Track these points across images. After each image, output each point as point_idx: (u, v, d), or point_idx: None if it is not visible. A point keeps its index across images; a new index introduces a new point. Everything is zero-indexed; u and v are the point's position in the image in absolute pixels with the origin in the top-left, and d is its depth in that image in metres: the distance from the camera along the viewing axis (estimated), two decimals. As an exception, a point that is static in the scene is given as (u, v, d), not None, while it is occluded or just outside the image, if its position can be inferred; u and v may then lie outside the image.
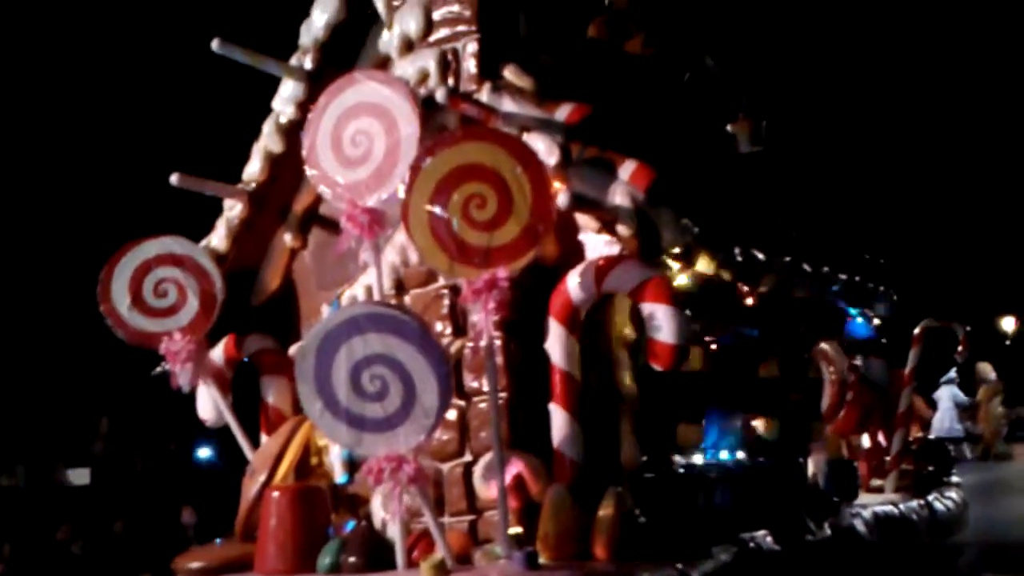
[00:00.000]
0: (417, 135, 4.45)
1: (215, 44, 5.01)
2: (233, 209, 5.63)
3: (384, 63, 5.38)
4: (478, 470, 4.65)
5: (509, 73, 4.74)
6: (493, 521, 4.61)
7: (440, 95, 4.41)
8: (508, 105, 4.60)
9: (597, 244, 4.62)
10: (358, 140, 4.59)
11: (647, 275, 4.36)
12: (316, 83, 5.36)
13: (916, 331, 8.02)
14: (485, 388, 4.56)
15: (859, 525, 6.50)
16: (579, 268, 4.54)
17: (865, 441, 7.89)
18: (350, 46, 5.46)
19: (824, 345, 6.78)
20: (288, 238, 5.68)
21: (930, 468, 8.39)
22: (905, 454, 7.99)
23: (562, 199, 4.23)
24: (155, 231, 5.57)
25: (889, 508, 7.04)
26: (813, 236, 6.20)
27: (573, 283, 4.51)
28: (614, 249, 4.58)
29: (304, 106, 5.38)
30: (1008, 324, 26.53)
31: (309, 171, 4.76)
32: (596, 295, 4.50)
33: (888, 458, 7.90)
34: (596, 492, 4.44)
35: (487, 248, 4.19)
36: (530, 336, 4.61)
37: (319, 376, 4.10)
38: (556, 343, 4.54)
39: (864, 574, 6.26)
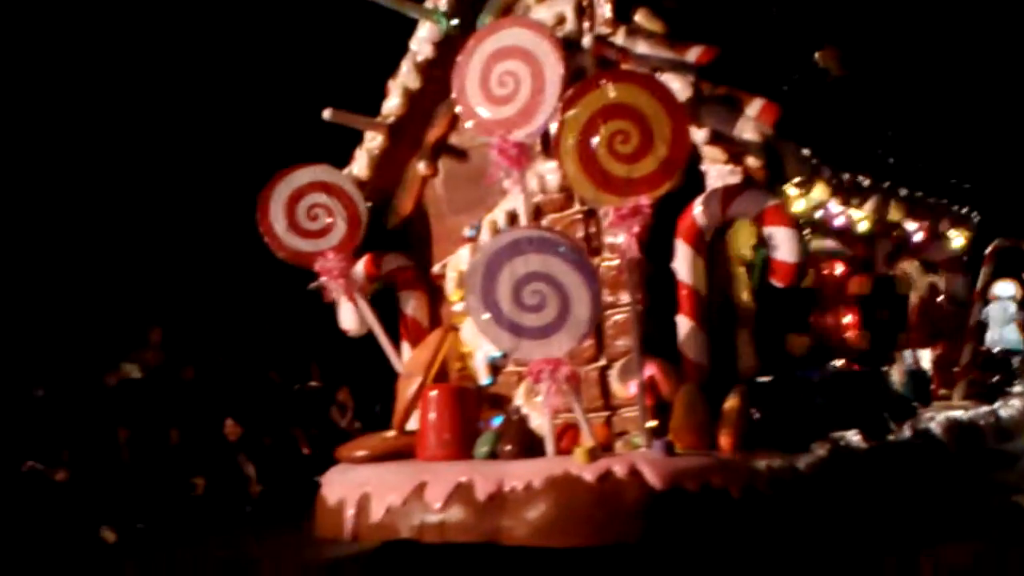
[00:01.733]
0: (560, 76, 4.94)
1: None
2: (374, 140, 6.17)
3: (511, 5, 5.85)
4: (614, 372, 5.28)
5: (640, 17, 5.19)
6: (626, 416, 5.28)
7: (587, 41, 4.90)
8: (642, 48, 5.07)
9: (720, 174, 5.12)
10: (505, 80, 5.08)
11: (769, 201, 4.88)
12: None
13: (987, 250, 8.47)
14: (621, 301, 5.16)
15: (934, 428, 7.09)
16: (705, 195, 5.07)
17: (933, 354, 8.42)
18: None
19: (905, 264, 7.28)
20: (421, 166, 6.22)
21: (995, 378, 8.92)
22: (973, 365, 8.52)
23: (701, 135, 4.73)
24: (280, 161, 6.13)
25: (959, 414, 7.61)
26: (905, 160, 6.64)
27: (700, 209, 5.04)
28: (735, 178, 5.08)
29: (438, 45, 5.89)
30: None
31: (458, 108, 5.27)
32: (721, 219, 5.04)
33: (956, 369, 8.44)
34: (718, 393, 5.05)
35: (628, 179, 4.72)
36: (658, 255, 5.16)
37: (485, 291, 4.70)
38: (683, 262, 5.11)
39: (937, 472, 6.86)
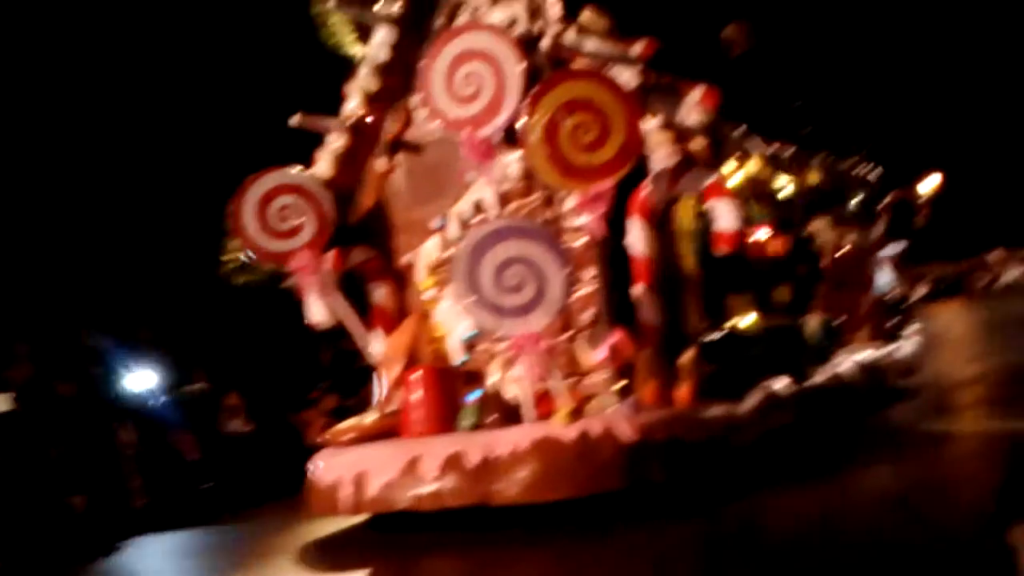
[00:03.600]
0: (520, 74, 5.43)
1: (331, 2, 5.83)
2: (336, 141, 6.52)
3: (457, 6, 6.29)
4: (581, 341, 5.84)
5: (586, 16, 5.70)
6: (594, 381, 5.85)
7: (546, 42, 5.38)
8: (591, 44, 5.59)
9: (664, 154, 5.70)
10: (469, 81, 5.54)
11: (712, 177, 5.50)
12: (404, 27, 6.25)
13: (884, 202, 9.40)
14: (585, 276, 5.71)
15: (847, 370, 7.95)
16: (653, 175, 5.65)
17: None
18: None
19: (817, 222, 8.09)
20: (381, 163, 6.60)
21: (893, 321, 9.93)
22: (874, 311, 9.47)
23: (654, 123, 5.30)
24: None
25: (867, 356, 8.52)
26: (815, 127, 7.40)
27: (650, 187, 5.63)
28: (678, 158, 5.67)
29: (395, 48, 6.27)
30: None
31: (425, 109, 5.70)
32: (669, 196, 5.63)
33: (860, 314, 9.36)
34: (673, 352, 5.68)
35: (590, 166, 5.26)
36: (614, 231, 5.73)
37: (470, 276, 5.18)
38: (637, 236, 5.69)
39: (851, 410, 7.72)
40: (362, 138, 6.54)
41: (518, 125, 5.32)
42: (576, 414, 5.30)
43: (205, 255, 6.47)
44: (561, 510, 5.16)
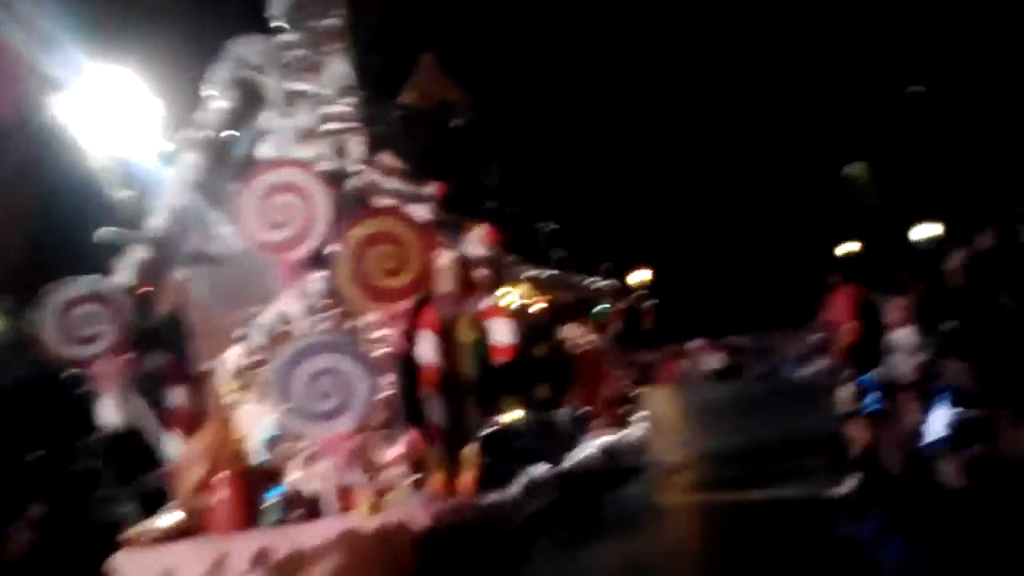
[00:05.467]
0: (328, 205, 6.19)
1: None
2: (139, 252, 6.85)
3: (260, 135, 6.96)
4: (378, 440, 6.54)
5: (385, 158, 6.59)
6: (390, 475, 6.56)
7: (352, 181, 6.19)
8: (391, 183, 6.47)
9: (451, 279, 6.66)
10: (281, 209, 6.21)
11: (491, 300, 6.52)
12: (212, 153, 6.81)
13: (616, 308, 10.97)
14: (382, 383, 6.46)
15: (591, 455, 9.25)
16: (441, 295, 6.57)
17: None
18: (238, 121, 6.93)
19: (567, 327, 9.41)
20: (183, 273, 7.01)
21: (623, 410, 11.48)
22: (610, 401, 10.94)
23: (449, 257, 6.24)
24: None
25: (607, 439, 9.90)
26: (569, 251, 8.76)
27: (440, 305, 6.54)
28: (460, 283, 6.64)
29: (202, 168, 6.81)
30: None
31: (239, 232, 6.27)
32: (454, 313, 6.57)
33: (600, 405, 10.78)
34: (457, 447, 6.55)
35: (391, 288, 6.09)
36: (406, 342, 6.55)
37: (284, 386, 5.78)
38: (427, 346, 6.55)
39: (595, 488, 8.99)
40: (164, 250, 6.91)
41: (325, 249, 6.05)
42: (376, 507, 5.97)
43: None
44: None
